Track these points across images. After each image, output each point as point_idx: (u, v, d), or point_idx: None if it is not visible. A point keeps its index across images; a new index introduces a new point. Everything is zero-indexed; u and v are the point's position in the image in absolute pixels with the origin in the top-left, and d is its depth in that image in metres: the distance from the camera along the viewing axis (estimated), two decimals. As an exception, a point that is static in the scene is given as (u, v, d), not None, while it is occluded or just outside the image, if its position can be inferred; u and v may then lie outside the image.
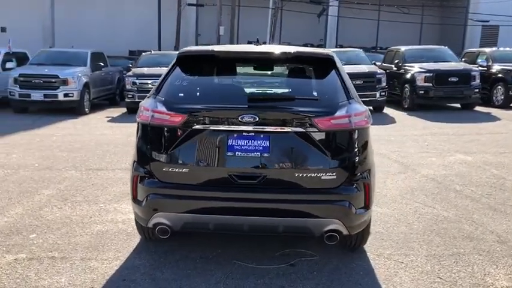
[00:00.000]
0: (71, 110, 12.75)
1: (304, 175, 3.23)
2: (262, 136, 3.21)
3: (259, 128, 3.18)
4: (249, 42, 25.26)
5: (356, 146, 3.34)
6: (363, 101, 13.86)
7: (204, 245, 3.99)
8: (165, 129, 3.28)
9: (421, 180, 6.38)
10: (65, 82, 12.45)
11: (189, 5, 23.38)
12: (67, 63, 13.36)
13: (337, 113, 3.24)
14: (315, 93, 3.42)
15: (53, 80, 12.47)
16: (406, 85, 13.70)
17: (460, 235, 4.41)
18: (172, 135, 3.27)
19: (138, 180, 3.39)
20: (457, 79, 13.16)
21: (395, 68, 14.50)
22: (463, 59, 15.97)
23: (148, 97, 3.47)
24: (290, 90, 3.47)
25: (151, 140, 3.35)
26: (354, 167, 3.33)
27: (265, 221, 3.23)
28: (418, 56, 14.61)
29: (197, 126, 3.22)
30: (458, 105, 14.24)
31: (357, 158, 3.36)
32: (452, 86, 13.15)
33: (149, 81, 12.23)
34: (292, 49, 3.58)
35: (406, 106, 13.77)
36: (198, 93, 3.41)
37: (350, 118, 3.26)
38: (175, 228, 3.32)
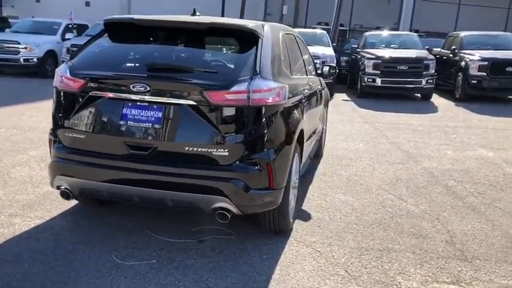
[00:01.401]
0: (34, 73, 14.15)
1: (195, 149, 3.14)
2: (155, 107, 3.15)
3: (151, 98, 3.13)
4: (319, 23, 24.58)
5: (256, 123, 3.18)
6: (407, 88, 13.34)
7: (132, 215, 4.03)
8: (68, 94, 3.34)
9: (416, 172, 5.96)
10: (26, 48, 13.88)
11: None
12: (40, 32, 14.94)
13: (234, 88, 3.09)
14: (217, 66, 3.28)
15: (16, 46, 13.85)
16: (459, 73, 12.73)
17: (410, 231, 4.09)
18: (73, 101, 3.32)
19: (50, 143, 3.49)
20: (517, 69, 12.00)
21: (451, 55, 13.52)
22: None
23: (65, 63, 3.54)
24: (192, 62, 3.36)
25: (58, 104, 3.42)
26: (251, 145, 3.18)
27: (154, 193, 3.19)
28: (478, 42, 13.48)
29: (94, 93, 3.24)
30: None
31: (257, 136, 3.20)
32: (510, 77, 12.00)
33: None
34: (208, 20, 3.45)
35: (457, 96, 12.83)
36: (103, 61, 3.42)
37: (249, 94, 3.10)
38: (75, 193, 3.39)
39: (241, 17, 23.53)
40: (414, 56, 12.66)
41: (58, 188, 3.41)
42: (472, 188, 5.43)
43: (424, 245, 3.83)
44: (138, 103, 3.17)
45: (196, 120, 3.13)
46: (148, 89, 3.11)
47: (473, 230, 4.20)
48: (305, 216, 4.27)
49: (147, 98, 3.13)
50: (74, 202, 4.22)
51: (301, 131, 3.92)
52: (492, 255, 3.71)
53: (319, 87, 5.34)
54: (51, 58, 14.45)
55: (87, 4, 30.48)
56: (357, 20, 28.58)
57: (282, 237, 3.79)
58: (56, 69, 3.50)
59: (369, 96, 12.90)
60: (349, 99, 12.96)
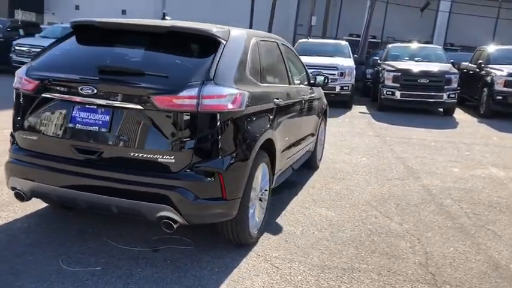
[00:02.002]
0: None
1: (141, 155, 3.05)
2: (102, 110, 3.09)
3: (98, 101, 3.07)
4: (350, 35, 24.12)
5: (206, 130, 3.06)
6: (427, 102, 12.84)
7: (98, 221, 3.96)
8: (24, 95, 3.32)
9: (412, 189, 5.69)
10: None
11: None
12: None
13: (182, 93, 2.99)
14: (170, 71, 3.19)
15: None
16: (485, 89, 12.23)
17: (383, 251, 3.86)
18: (28, 102, 3.30)
19: (11, 144, 3.49)
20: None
21: (477, 69, 13.02)
22: None
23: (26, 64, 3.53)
24: (145, 65, 3.27)
25: (17, 105, 3.41)
26: (201, 153, 3.06)
27: (99, 199, 3.12)
28: (506, 57, 12.94)
29: (46, 95, 3.21)
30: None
31: (207, 143, 3.08)
32: (538, 94, 11.44)
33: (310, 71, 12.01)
34: (169, 23, 3.38)
35: (481, 112, 12.33)
36: (59, 63, 3.39)
37: (198, 100, 2.99)
38: (28, 194, 3.35)
39: (270, 26, 23.51)
40: (436, 69, 12.25)
41: (13, 189, 3.39)
42: (468, 208, 5.12)
43: (395, 266, 3.61)
44: (86, 106, 3.12)
45: (143, 125, 3.04)
46: (95, 91, 3.05)
47: (455, 253, 3.93)
48: (275, 230, 4.11)
49: (94, 100, 3.07)
50: (44, 204, 4.20)
51: (269, 141, 3.78)
52: (466, 281, 3.45)
53: (308, 96, 5.18)
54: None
55: (123, 12, 31.30)
56: (390, 33, 28.11)
57: (243, 251, 3.64)
58: (16, 71, 3.50)
59: (389, 109, 12.57)
60: (367, 112, 12.67)
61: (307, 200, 5.02)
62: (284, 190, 5.22)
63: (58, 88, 3.18)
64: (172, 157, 3.03)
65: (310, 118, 5.47)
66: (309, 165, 6.13)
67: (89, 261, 3.30)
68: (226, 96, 3.13)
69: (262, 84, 3.75)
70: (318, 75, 5.59)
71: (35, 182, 3.26)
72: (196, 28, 3.41)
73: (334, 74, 12.12)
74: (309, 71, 11.81)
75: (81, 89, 3.06)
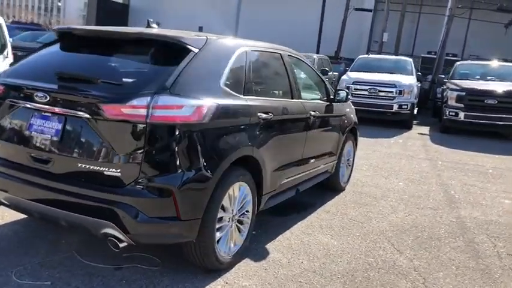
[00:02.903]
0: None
1: (89, 167, 2.87)
2: (56, 118, 2.96)
3: (49, 108, 2.95)
4: (429, 52, 22.96)
5: (156, 143, 2.83)
6: (496, 125, 11.85)
7: (75, 232, 3.86)
8: (-6, 101, 3.28)
9: (443, 221, 5.07)
10: None
11: (356, 9, 22.66)
12: None
13: (131, 102, 2.78)
14: (126, 79, 3.00)
15: None
16: None
17: (335, 274, 3.39)
18: None
19: None
20: None
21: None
22: None
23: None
24: (102, 72, 3.08)
25: None
26: (150, 167, 2.83)
27: (49, 210, 2.98)
28: None
29: (8, 101, 3.15)
30: None
31: (157, 157, 2.84)
32: None
33: (366, 87, 11.79)
34: (138, 30, 3.21)
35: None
36: (28, 68, 3.32)
37: (148, 110, 2.77)
38: None
39: (340, 41, 22.99)
40: (506, 89, 11.14)
41: None
42: (504, 247, 4.43)
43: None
44: (43, 113, 3.01)
45: (91, 134, 2.87)
46: (48, 98, 2.94)
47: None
48: (259, 256, 3.76)
49: (47, 108, 2.96)
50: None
51: (251, 158, 3.48)
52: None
53: (321, 112, 4.78)
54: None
55: (200, 29, 32.31)
56: (472, 50, 26.41)
57: (210, 277, 3.33)
58: None
59: (453, 132, 11.63)
60: (426, 133, 11.80)
61: (313, 225, 4.60)
62: (292, 212, 4.85)
63: (19, 94, 3.11)
64: (118, 170, 2.82)
65: (325, 136, 5.06)
66: (330, 187, 5.70)
67: (42, 274, 3.17)
68: (183, 107, 2.89)
69: (244, 97, 3.46)
70: (339, 90, 5.18)
71: None
72: (166, 35, 3.21)
73: (392, 92, 11.45)
74: (365, 87, 11.57)
75: (36, 96, 2.97)
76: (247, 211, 3.63)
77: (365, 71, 12.63)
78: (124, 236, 2.82)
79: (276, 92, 4.14)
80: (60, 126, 2.94)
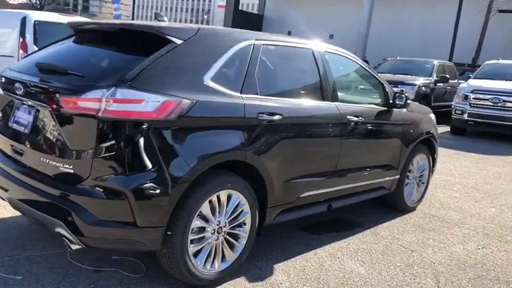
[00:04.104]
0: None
1: (48, 162, 2.75)
2: (29, 110, 2.90)
3: (26, 100, 2.91)
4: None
5: (111, 140, 2.59)
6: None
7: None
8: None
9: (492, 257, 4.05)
10: None
11: (501, 11, 20.19)
12: None
13: (86, 95, 2.58)
14: (91, 70, 2.81)
15: None
16: None
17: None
18: None
19: None
20: None
21: None
22: None
23: None
24: (75, 64, 2.91)
25: None
26: (102, 166, 2.60)
27: (20, 205, 2.93)
28: None
29: (4, 93, 3.19)
30: None
31: (111, 156, 2.60)
32: None
33: (488, 97, 10.50)
34: (122, 22, 3.02)
35: None
36: (26, 61, 3.34)
37: (101, 103, 2.56)
38: None
39: (479, 47, 20.71)
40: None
41: None
42: None
43: None
44: (22, 105, 2.99)
45: (51, 128, 2.76)
46: (22, 90, 2.90)
47: None
48: (258, 276, 3.32)
49: (23, 99, 2.93)
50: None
51: (247, 165, 3.08)
52: None
53: (368, 118, 4.14)
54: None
55: (331, 36, 31.85)
56: None
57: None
58: None
59: None
60: None
61: (348, 247, 3.98)
62: (330, 230, 4.29)
63: (9, 86, 3.12)
64: (71, 167, 2.65)
65: (377, 146, 4.39)
66: (393, 206, 4.95)
67: (22, 268, 3.12)
68: (143, 102, 2.61)
69: (240, 95, 3.07)
70: (397, 94, 4.47)
71: None
72: (145, 25, 2.99)
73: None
74: (488, 97, 10.11)
75: (15, 87, 2.95)
76: (244, 223, 3.22)
77: (491, 79, 11.08)
78: (74, 238, 2.63)
79: (298, 92, 3.66)
80: (31, 119, 2.89)
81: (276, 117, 3.25)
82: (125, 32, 3.08)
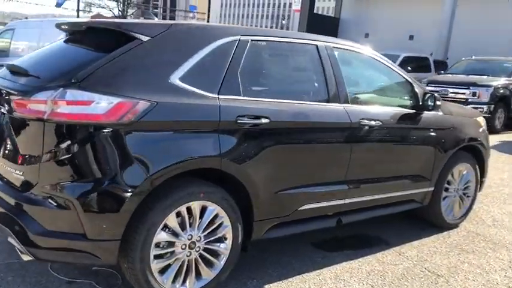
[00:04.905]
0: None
1: (6, 168, 2.63)
2: (3, 114, 2.80)
3: None
4: None
5: (57, 144, 2.40)
6: None
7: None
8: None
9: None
10: None
11: None
12: None
13: (35, 96, 2.42)
14: (49, 71, 2.63)
15: None
16: None
17: None
18: None
19: None
20: None
21: None
22: None
23: None
24: (38, 64, 2.74)
25: None
26: (48, 172, 2.42)
27: None
28: None
29: None
30: None
31: (57, 161, 2.40)
32: None
33: (438, 89, 10.99)
34: (91, 20, 2.84)
35: None
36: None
37: (47, 105, 2.39)
38: None
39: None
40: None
41: None
42: None
43: None
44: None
45: (8, 132, 2.63)
46: None
47: None
48: (241, 297, 2.99)
49: None
50: None
51: (224, 173, 2.78)
52: None
53: (386, 123, 3.64)
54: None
55: (411, 37, 30.31)
56: None
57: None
58: None
59: None
60: None
61: (360, 269, 3.51)
62: (345, 248, 3.84)
63: None
64: (21, 173, 2.51)
65: (403, 153, 3.87)
66: (427, 221, 4.37)
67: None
68: (93, 103, 2.40)
69: (216, 96, 2.76)
70: (426, 95, 3.91)
71: None
72: (110, 22, 2.79)
73: None
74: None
75: None
76: (224, 238, 2.91)
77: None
78: (22, 248, 2.48)
79: (294, 93, 3.27)
80: (4, 122, 2.78)
81: (263, 120, 2.90)
82: (93, 30, 2.90)
